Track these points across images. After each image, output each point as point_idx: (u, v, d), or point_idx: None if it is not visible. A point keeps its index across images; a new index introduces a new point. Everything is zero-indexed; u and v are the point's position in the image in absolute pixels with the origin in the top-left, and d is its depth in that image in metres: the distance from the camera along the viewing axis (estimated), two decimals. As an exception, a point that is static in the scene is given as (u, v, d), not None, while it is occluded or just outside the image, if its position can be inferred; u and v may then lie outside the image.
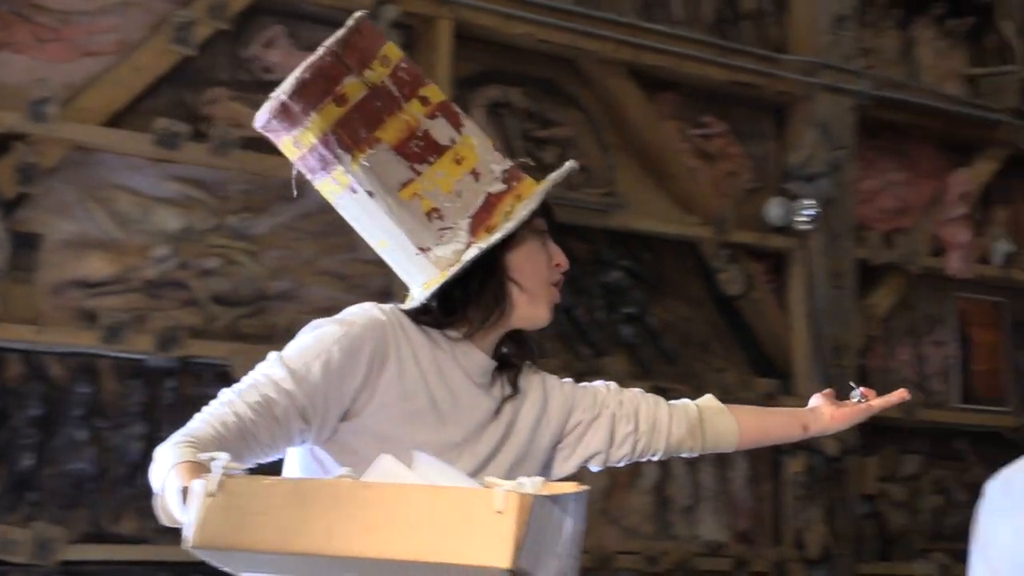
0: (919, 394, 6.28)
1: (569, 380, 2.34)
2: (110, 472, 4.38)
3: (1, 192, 4.24)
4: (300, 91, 2.07)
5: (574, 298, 5.30)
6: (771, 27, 6.01)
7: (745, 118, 5.98)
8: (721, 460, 5.69)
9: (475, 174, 2.11)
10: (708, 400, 2.47)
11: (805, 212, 5.79)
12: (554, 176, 2.16)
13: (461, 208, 2.09)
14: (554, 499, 1.67)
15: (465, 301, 2.14)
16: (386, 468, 1.74)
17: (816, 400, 2.59)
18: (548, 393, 2.29)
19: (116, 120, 4.44)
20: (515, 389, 2.25)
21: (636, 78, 5.57)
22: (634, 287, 5.53)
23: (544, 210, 2.17)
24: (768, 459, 5.82)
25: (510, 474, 2.08)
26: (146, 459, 4.27)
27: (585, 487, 1.80)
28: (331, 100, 2.07)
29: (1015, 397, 6.57)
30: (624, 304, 5.48)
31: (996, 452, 6.36)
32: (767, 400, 5.71)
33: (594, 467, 2.36)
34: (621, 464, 2.36)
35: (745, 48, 5.86)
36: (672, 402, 2.41)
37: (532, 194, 2.14)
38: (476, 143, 2.14)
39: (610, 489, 5.34)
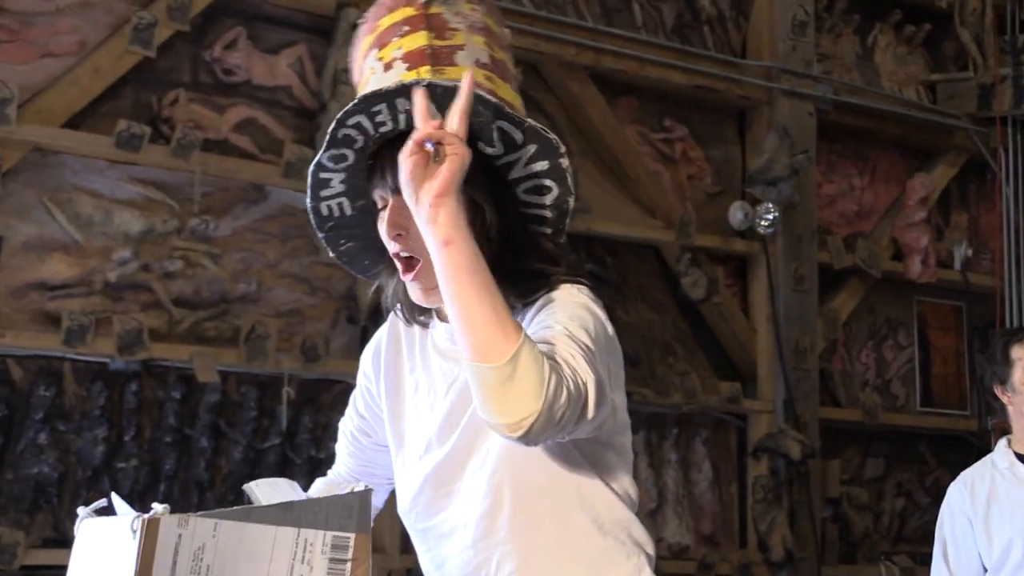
0: (880, 398, 6.35)
1: (543, 321, 2.08)
2: (72, 476, 4.36)
3: (-39, 194, 4.23)
4: None
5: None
6: (731, 32, 6.04)
7: (706, 122, 6.00)
8: (685, 463, 5.71)
9: None
10: None
11: (766, 216, 5.81)
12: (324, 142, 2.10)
13: None
14: (226, 512, 1.73)
15: None
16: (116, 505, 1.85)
17: None
18: None
19: (76, 122, 4.44)
20: None
21: (597, 82, 5.60)
22: (597, 290, 5.53)
23: (384, 177, 2.07)
24: (732, 462, 5.84)
25: (466, 439, 2.09)
26: (108, 462, 4.31)
27: (357, 490, 1.86)
28: None
29: (974, 400, 6.59)
30: (587, 307, 5.48)
31: (956, 455, 6.42)
32: (729, 403, 5.74)
33: None
34: None
35: (705, 53, 5.90)
36: None
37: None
38: None
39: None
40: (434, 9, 2.10)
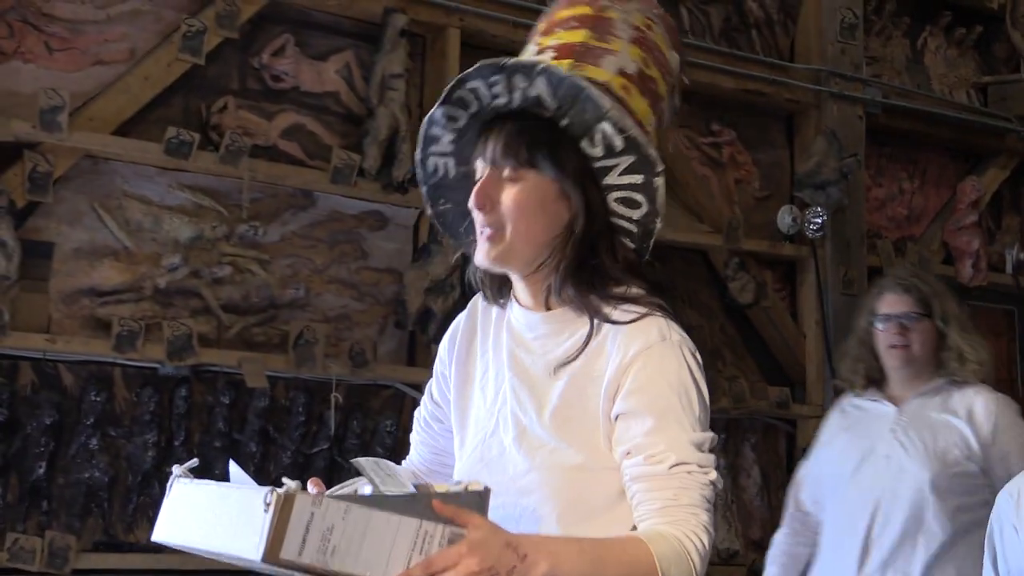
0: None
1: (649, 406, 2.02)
2: (123, 480, 4.37)
3: (12, 201, 4.23)
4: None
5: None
6: (779, 35, 6.00)
7: (754, 126, 5.97)
8: (734, 468, 5.66)
9: None
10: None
11: (815, 220, 5.77)
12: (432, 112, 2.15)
13: None
14: (357, 498, 1.78)
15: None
16: (232, 473, 1.91)
17: None
18: (606, 358, 2.06)
19: (126, 129, 4.44)
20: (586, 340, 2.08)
21: (644, 87, 5.55)
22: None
23: (486, 146, 2.10)
24: (781, 467, 5.79)
25: (520, 433, 2.09)
26: (158, 467, 4.32)
27: (474, 488, 1.87)
28: None
29: (1028, 405, 6.53)
30: (635, 312, 5.46)
31: None
32: (778, 408, 5.70)
33: None
34: None
35: (753, 56, 5.87)
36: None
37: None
38: None
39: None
40: (609, 14, 2.15)
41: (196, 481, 1.90)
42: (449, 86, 2.10)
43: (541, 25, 2.21)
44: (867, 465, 3.96)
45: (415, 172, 2.22)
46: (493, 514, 1.91)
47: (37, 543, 4.14)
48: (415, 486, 1.88)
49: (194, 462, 1.92)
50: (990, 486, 3.81)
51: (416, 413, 2.41)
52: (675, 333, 2.06)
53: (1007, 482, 3.63)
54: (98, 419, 4.33)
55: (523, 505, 2.04)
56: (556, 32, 2.14)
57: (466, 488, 1.89)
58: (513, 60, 2.04)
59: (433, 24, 5.01)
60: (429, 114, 2.14)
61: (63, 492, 4.27)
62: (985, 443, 3.88)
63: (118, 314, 4.37)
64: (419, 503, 1.81)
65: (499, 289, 2.19)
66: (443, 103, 2.11)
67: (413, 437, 2.42)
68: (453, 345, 2.28)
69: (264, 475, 4.53)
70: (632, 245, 2.12)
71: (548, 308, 2.11)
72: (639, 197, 2.06)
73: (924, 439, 3.90)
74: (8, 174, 4.25)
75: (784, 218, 5.83)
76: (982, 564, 3.55)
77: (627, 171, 2.05)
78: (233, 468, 1.91)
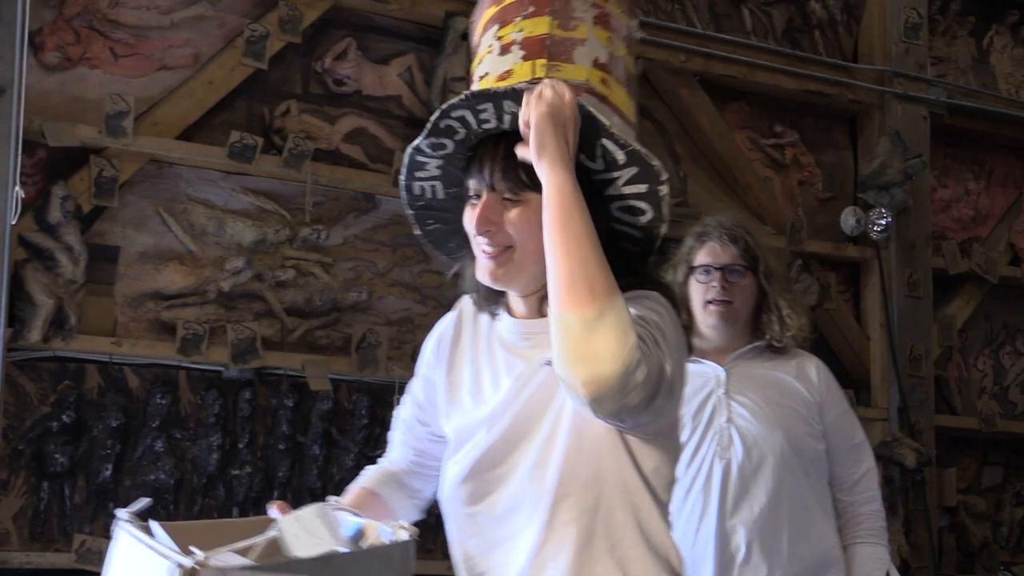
0: (998, 405, 6.23)
1: None
2: (188, 483, 4.38)
3: (79, 206, 4.26)
4: None
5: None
6: (842, 36, 5.95)
7: (817, 127, 5.91)
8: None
9: None
10: None
11: (879, 222, 5.71)
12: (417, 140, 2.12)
13: None
14: (265, 567, 1.72)
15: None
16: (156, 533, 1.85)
17: None
18: None
19: (190, 133, 4.46)
20: None
21: (707, 88, 5.53)
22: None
23: (482, 171, 2.07)
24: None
25: (514, 446, 2.06)
26: (222, 469, 4.33)
27: (395, 539, 1.84)
28: None
29: (1097, 408, 6.46)
30: (698, 314, 5.43)
31: None
32: None
33: None
34: None
35: (816, 57, 5.81)
36: None
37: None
38: None
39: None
40: None
41: (131, 532, 1.82)
42: (434, 117, 2.06)
43: (492, 9, 2.12)
44: (705, 430, 3.41)
45: (402, 195, 2.20)
46: (504, 501, 2.01)
47: (104, 544, 4.16)
48: (358, 528, 1.86)
49: (145, 502, 1.87)
50: (827, 452, 3.45)
51: (397, 412, 2.38)
52: (655, 296, 2.05)
53: (838, 458, 3.45)
54: (163, 422, 4.34)
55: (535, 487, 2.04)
56: (515, 21, 2.07)
57: (394, 534, 1.85)
58: (503, 88, 2.00)
59: (495, 27, 4.99)
60: (414, 144, 2.11)
61: (129, 494, 4.28)
62: (820, 407, 3.44)
63: (183, 317, 4.39)
64: (333, 564, 1.77)
65: (495, 301, 2.17)
66: (429, 135, 2.09)
67: (394, 436, 2.39)
68: (442, 350, 2.25)
69: (327, 477, 4.54)
70: (636, 249, 2.11)
71: (543, 315, 2.08)
72: (643, 205, 2.05)
73: (765, 399, 3.40)
74: (74, 179, 4.28)
75: (848, 220, 5.78)
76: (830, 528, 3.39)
77: (630, 182, 2.03)
78: (155, 528, 1.87)
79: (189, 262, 4.46)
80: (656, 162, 2.02)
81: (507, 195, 2.05)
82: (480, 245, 2.07)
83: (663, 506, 2.07)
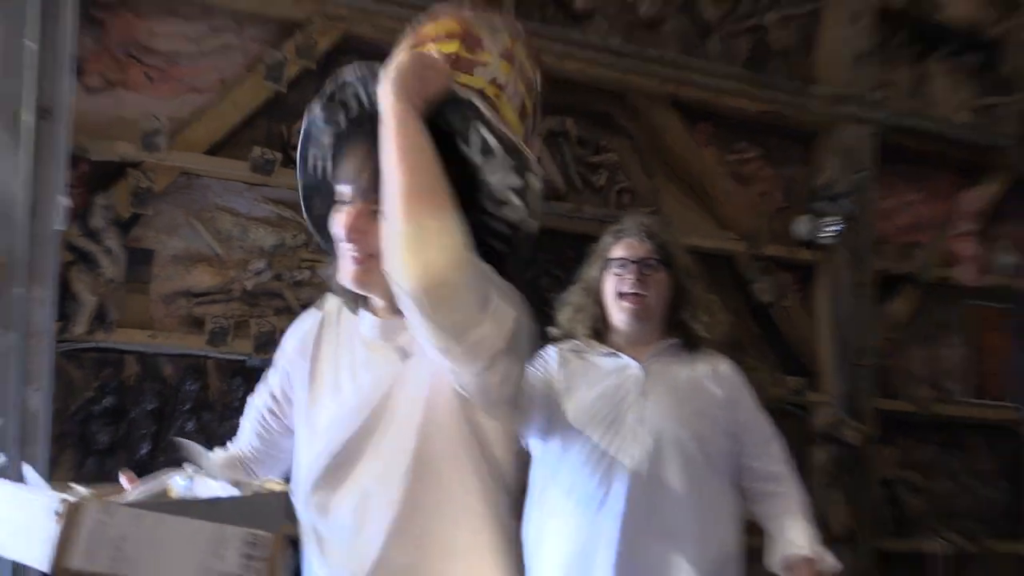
0: (933, 391, 6.22)
1: None
2: (214, 459, 4.35)
3: (119, 213, 4.23)
4: None
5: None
6: (799, 62, 5.92)
7: (776, 145, 5.88)
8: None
9: None
10: None
11: (830, 228, 5.69)
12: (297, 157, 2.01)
13: None
14: (153, 504, 1.63)
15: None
16: (28, 477, 1.75)
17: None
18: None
19: (217, 149, 4.42)
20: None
21: (678, 109, 5.49)
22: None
23: (355, 179, 1.94)
24: (796, 449, 5.72)
25: (376, 435, 1.94)
26: (246, 448, 4.28)
27: (274, 489, 1.75)
28: None
29: (1018, 394, 6.42)
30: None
31: (1002, 443, 6.31)
32: (795, 396, 5.65)
33: None
34: None
35: (776, 82, 5.77)
36: None
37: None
38: None
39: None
40: (477, 32, 1.98)
41: (7, 482, 1.72)
42: (330, 88, 1.95)
43: (409, 40, 2.01)
44: (617, 427, 3.15)
45: (296, 166, 2.05)
46: (350, 498, 1.89)
47: (139, 515, 4.14)
48: (235, 483, 1.75)
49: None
50: (739, 452, 3.26)
51: (251, 399, 2.25)
52: None
53: (754, 453, 3.24)
54: (194, 405, 4.32)
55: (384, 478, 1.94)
56: (428, 45, 1.96)
57: (269, 489, 1.77)
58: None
59: (490, 55, 4.95)
60: (310, 109, 1.99)
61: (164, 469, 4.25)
62: (734, 406, 3.26)
63: (211, 313, 4.36)
64: (219, 507, 1.68)
65: (357, 300, 2.05)
66: (323, 103, 1.97)
67: (245, 425, 2.26)
68: (306, 345, 2.12)
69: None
70: (507, 249, 1.93)
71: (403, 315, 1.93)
72: (515, 199, 1.88)
73: (678, 400, 3.19)
74: (114, 190, 4.25)
75: (802, 227, 5.75)
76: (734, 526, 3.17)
77: (504, 171, 1.87)
78: (29, 472, 1.76)
79: (216, 264, 4.43)
80: (530, 154, 1.89)
81: (376, 206, 1.88)
82: (347, 250, 1.94)
83: (510, 496, 1.97)
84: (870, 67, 5.98)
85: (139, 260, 4.32)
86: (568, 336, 3.33)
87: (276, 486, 1.79)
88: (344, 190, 1.95)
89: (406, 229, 1.72)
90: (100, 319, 4.18)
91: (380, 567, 1.89)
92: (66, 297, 4.12)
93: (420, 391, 1.92)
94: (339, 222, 1.94)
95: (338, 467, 1.96)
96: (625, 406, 3.15)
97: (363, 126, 1.94)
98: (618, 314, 3.23)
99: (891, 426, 5.98)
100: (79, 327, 4.13)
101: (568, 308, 3.35)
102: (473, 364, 1.81)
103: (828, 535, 5.52)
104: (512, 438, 1.98)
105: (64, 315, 4.11)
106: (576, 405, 3.19)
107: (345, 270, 1.95)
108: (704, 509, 3.15)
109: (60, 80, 4.03)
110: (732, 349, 5.31)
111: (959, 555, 6.02)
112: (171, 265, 4.35)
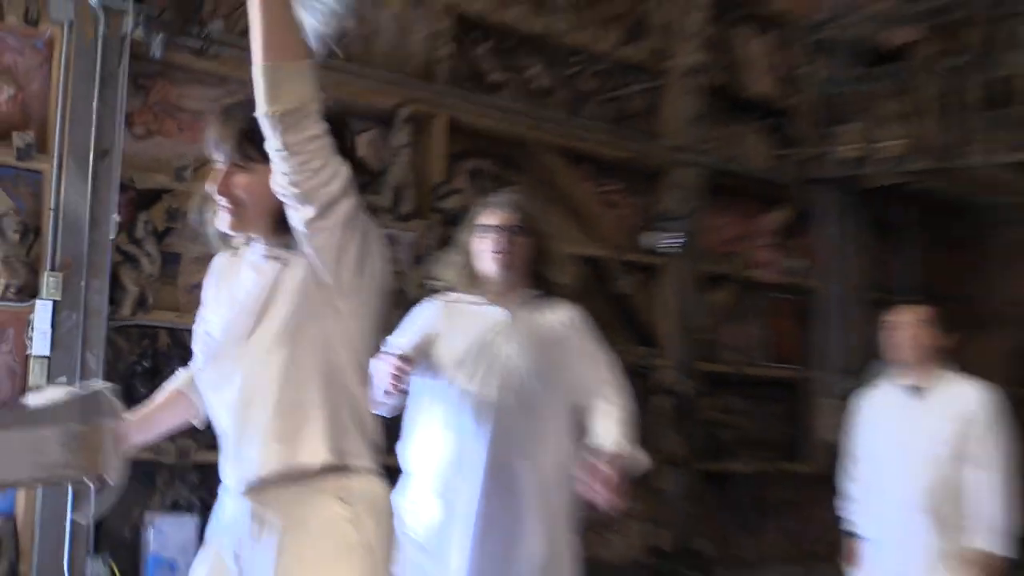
0: (742, 357, 6.31)
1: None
2: (225, 406, 4.35)
3: (156, 227, 4.26)
4: None
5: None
6: (649, 122, 5.97)
7: (633, 180, 5.94)
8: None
9: None
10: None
11: (671, 241, 5.78)
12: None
13: None
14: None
15: None
16: None
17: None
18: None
19: (229, 180, 4.41)
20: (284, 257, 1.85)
21: (564, 155, 5.55)
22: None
23: (221, 145, 1.86)
24: (643, 399, 5.78)
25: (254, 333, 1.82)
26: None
27: (93, 388, 1.65)
28: None
29: (801, 360, 6.55)
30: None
31: (788, 394, 6.37)
32: (645, 360, 5.67)
33: None
34: None
35: (633, 136, 5.83)
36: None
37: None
38: None
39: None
40: None
41: None
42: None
43: None
44: (486, 364, 2.89)
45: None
46: (229, 383, 1.79)
47: (170, 446, 4.15)
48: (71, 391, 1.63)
49: None
50: (582, 376, 2.98)
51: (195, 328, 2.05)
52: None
53: (592, 376, 2.96)
54: (210, 368, 4.31)
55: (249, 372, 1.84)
56: None
57: (91, 389, 1.64)
58: None
59: (428, 113, 4.98)
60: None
61: (186, 414, 4.25)
62: (578, 338, 3.02)
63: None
64: (47, 413, 1.59)
65: (230, 238, 1.95)
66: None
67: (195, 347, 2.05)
68: (211, 279, 2.06)
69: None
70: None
71: (282, 243, 1.87)
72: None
73: (534, 343, 2.92)
74: (153, 209, 4.27)
75: (651, 240, 5.82)
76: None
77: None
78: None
79: (227, 264, 4.42)
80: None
81: (239, 163, 1.81)
82: (219, 203, 1.85)
83: (363, 373, 1.83)
84: (700, 127, 6.05)
85: (170, 261, 4.33)
86: (448, 288, 3.06)
87: (95, 386, 1.72)
88: (214, 153, 1.86)
89: (267, 65, 1.63)
90: (141, 303, 4.20)
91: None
92: (116, 287, 4.13)
93: (290, 292, 1.82)
94: (211, 180, 1.84)
95: (222, 363, 1.89)
96: (494, 348, 2.91)
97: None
98: (488, 265, 2.94)
99: (712, 382, 6.04)
100: (125, 309, 4.15)
101: (447, 265, 3.07)
102: (309, 165, 1.71)
103: (665, 460, 5.63)
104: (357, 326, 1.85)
105: (114, 300, 4.12)
106: (452, 347, 2.93)
107: (220, 219, 1.86)
108: (550, 432, 2.93)
109: (115, 130, 4.06)
110: (602, 329, 5.41)
111: (758, 473, 6.13)
112: (194, 264, 4.36)
